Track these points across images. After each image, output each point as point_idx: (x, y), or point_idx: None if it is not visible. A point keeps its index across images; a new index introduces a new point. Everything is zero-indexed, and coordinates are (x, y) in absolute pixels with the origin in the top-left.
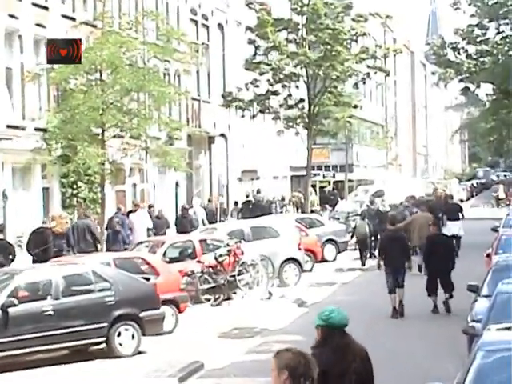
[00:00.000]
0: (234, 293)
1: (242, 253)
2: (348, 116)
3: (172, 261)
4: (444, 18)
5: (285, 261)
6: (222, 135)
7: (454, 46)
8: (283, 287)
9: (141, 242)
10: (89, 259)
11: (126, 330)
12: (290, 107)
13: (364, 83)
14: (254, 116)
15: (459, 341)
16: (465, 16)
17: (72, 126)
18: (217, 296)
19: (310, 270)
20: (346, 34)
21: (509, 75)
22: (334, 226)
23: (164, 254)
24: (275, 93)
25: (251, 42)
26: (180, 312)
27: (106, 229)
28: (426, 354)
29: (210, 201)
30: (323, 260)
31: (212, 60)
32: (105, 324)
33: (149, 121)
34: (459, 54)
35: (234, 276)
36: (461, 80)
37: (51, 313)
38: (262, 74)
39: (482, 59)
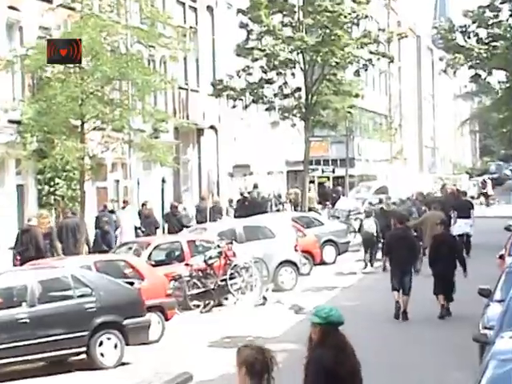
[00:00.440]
0: (226, 298)
1: (234, 255)
2: (348, 106)
3: (158, 264)
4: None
5: (280, 263)
6: (212, 127)
7: (464, 29)
8: (279, 292)
9: (124, 244)
10: (68, 262)
11: (109, 339)
12: (286, 96)
13: (366, 70)
14: (246, 106)
15: (470, 348)
16: None
17: (49, 118)
18: (207, 302)
19: (308, 274)
20: (346, 17)
21: None
22: (333, 225)
23: (149, 257)
24: (269, 81)
25: (243, 25)
26: (167, 319)
27: (96, 228)
28: (434, 362)
29: (203, 198)
30: (322, 262)
31: (201, 45)
32: (85, 333)
33: (132, 112)
34: (469, 38)
35: (225, 280)
36: (471, 66)
37: (26, 321)
38: (255, 60)
39: (493, 44)
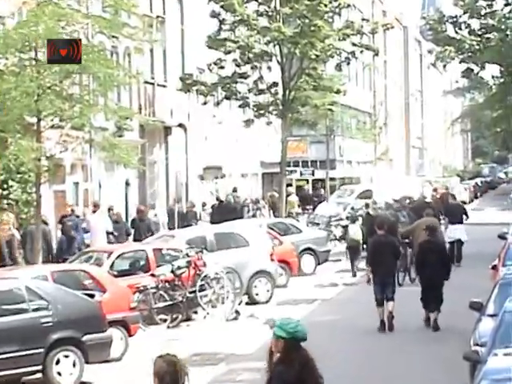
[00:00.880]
0: (195, 312)
1: (204, 264)
2: (329, 103)
3: (121, 274)
4: None
5: (255, 274)
6: (181, 125)
7: (455, 19)
8: (252, 305)
9: (84, 252)
10: (22, 273)
11: (66, 356)
12: (261, 92)
13: (348, 64)
14: (218, 103)
15: (459, 365)
16: None
17: (1, 115)
18: (174, 316)
19: (285, 285)
20: (326, 6)
21: None
22: (312, 232)
23: (112, 267)
24: (243, 75)
25: (215, 14)
26: (130, 335)
27: (62, 233)
28: (422, 381)
29: (178, 201)
30: (300, 273)
31: (168, 36)
32: (41, 350)
33: (93, 108)
34: (460, 29)
35: (194, 292)
36: (462, 60)
37: None
38: (227, 52)
39: (487, 35)
